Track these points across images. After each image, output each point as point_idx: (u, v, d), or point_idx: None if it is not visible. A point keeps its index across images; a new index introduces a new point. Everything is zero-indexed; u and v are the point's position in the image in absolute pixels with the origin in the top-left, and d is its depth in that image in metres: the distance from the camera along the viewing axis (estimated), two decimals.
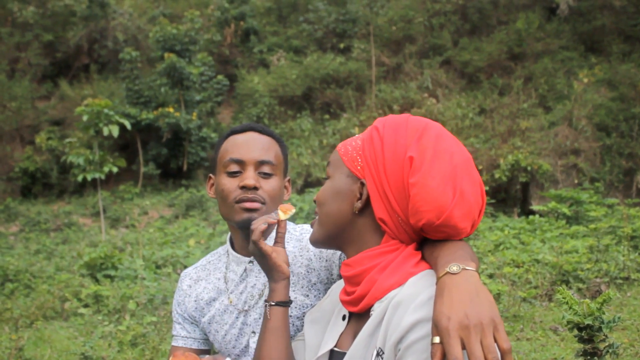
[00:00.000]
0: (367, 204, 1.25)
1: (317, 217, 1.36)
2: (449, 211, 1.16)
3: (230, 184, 1.63)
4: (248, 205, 1.61)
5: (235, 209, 1.62)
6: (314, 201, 1.37)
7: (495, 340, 1.01)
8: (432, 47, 19.25)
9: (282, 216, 1.49)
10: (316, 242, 1.36)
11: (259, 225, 1.47)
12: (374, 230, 1.25)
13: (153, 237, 11.92)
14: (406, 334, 1.08)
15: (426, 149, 1.18)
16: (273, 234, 1.71)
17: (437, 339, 1.02)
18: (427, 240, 1.26)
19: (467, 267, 1.10)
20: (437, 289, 1.09)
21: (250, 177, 1.62)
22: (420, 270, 1.19)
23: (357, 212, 1.26)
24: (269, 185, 1.65)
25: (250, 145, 1.65)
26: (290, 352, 1.43)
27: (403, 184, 1.18)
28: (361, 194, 1.25)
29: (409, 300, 1.12)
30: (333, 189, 1.30)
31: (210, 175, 1.77)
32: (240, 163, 1.64)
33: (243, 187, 1.62)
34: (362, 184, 1.25)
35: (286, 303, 1.46)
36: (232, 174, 1.64)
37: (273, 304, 1.45)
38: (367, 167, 1.24)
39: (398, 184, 1.19)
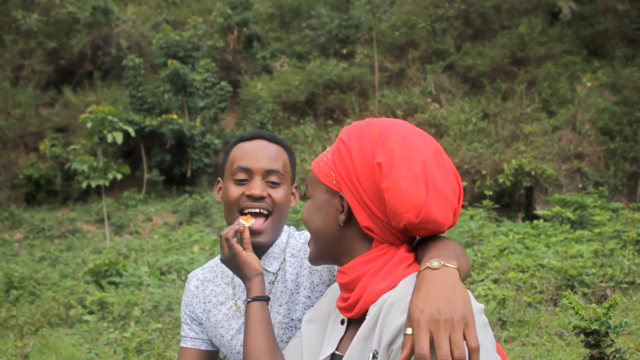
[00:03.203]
0: (351, 215, 1.27)
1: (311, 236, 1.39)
2: (425, 208, 1.17)
3: (235, 192, 1.64)
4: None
5: (237, 217, 1.64)
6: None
7: (465, 338, 1.01)
8: (435, 52, 19.27)
9: (246, 224, 1.57)
10: (315, 260, 1.38)
11: (228, 230, 1.54)
12: (363, 237, 1.27)
13: (157, 244, 11.91)
14: (397, 336, 1.09)
15: (393, 151, 1.20)
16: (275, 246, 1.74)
17: (409, 331, 1.03)
18: (421, 242, 1.28)
19: (447, 264, 1.12)
20: (416, 282, 1.11)
21: (257, 186, 1.63)
22: (411, 272, 1.20)
23: (342, 224, 1.27)
24: (277, 194, 1.66)
25: (259, 154, 1.66)
26: (273, 347, 1.43)
27: (378, 190, 1.20)
28: (343, 207, 1.27)
29: (399, 302, 1.13)
30: (315, 207, 1.33)
31: (219, 179, 1.78)
32: (248, 171, 1.65)
33: (249, 197, 1.63)
34: (341, 197, 1.27)
35: (263, 297, 1.49)
36: (239, 182, 1.65)
37: (250, 300, 1.48)
38: (341, 180, 1.26)
39: (373, 190, 1.21)
